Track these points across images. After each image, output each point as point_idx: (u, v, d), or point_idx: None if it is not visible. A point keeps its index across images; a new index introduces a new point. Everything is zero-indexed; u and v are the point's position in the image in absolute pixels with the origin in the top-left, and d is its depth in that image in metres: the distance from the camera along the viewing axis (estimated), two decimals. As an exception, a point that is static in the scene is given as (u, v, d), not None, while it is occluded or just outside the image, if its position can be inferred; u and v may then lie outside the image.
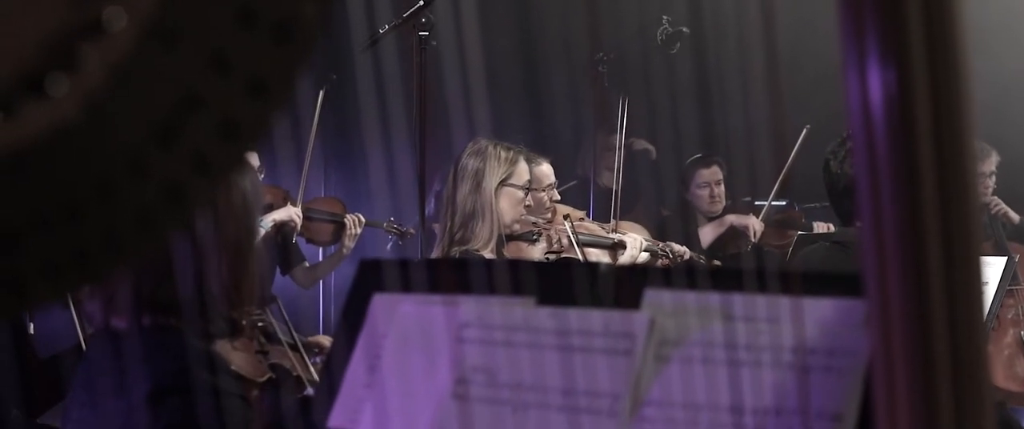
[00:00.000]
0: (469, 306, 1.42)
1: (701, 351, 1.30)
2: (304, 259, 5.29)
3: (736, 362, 1.27)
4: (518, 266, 1.43)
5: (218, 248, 1.95)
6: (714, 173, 5.79)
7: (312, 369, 2.51)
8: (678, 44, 5.23)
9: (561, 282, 1.40)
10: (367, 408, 1.46)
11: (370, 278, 1.55)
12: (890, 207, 0.94)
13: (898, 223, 0.94)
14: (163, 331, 1.86)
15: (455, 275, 1.49)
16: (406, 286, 1.50)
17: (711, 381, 1.27)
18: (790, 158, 5.61)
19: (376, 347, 1.50)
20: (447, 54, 4.01)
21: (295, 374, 2.46)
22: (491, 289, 1.43)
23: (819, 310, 1.26)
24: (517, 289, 1.41)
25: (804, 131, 5.53)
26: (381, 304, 1.52)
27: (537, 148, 4.17)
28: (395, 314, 1.49)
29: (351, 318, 1.54)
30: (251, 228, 2.04)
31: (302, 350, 2.55)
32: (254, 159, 4.07)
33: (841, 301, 1.26)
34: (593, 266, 1.40)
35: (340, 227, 5.19)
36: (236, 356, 2.01)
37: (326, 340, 3.70)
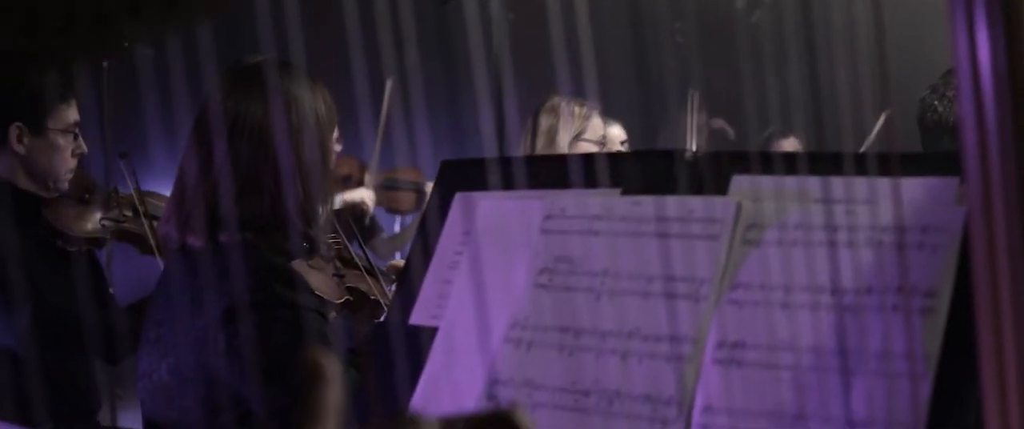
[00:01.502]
0: (552, 198, 1.41)
1: (790, 234, 1.27)
2: (382, 230, 5.29)
3: (826, 243, 1.24)
4: (602, 158, 1.42)
5: (293, 166, 1.96)
6: (792, 145, 5.73)
7: (389, 295, 2.50)
8: (758, 12, 5.17)
9: (646, 171, 1.38)
10: (448, 304, 1.46)
11: (451, 178, 1.54)
12: (997, 160, 0.93)
13: (1004, 180, 0.93)
14: (240, 248, 1.86)
15: (537, 170, 1.48)
16: (487, 184, 1.49)
17: (801, 263, 1.25)
18: (868, 141, 5.53)
19: (457, 244, 1.50)
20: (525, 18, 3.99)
21: (372, 297, 2.45)
22: (574, 182, 1.41)
23: (912, 189, 1.24)
24: (601, 181, 1.40)
25: (883, 116, 5.45)
26: (462, 203, 1.51)
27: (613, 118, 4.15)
28: (476, 211, 1.48)
29: (431, 219, 1.54)
30: (326, 147, 2.04)
31: (379, 275, 2.55)
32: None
33: (933, 180, 1.23)
34: (679, 153, 1.38)
35: (421, 195, 5.18)
36: (313, 276, 2.02)
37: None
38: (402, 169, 5.42)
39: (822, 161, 1.28)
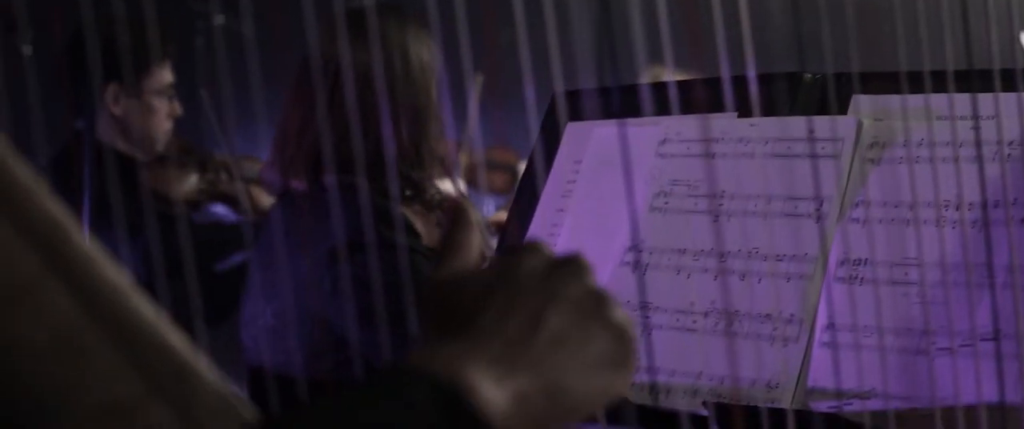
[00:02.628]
0: (668, 123, 1.40)
1: (912, 151, 1.26)
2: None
3: (950, 159, 1.24)
4: (717, 82, 1.41)
5: (396, 110, 1.97)
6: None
7: (491, 245, 2.50)
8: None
9: (763, 94, 1.37)
10: (561, 231, 1.46)
11: (561, 109, 1.54)
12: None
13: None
14: (343, 190, 1.88)
15: (650, 97, 1.47)
16: (601, 112, 1.49)
17: (924, 179, 1.24)
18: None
19: (570, 173, 1.50)
20: None
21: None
22: (689, 108, 1.41)
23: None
24: (717, 106, 1.39)
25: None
26: (575, 131, 1.51)
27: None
28: (590, 139, 1.48)
29: (542, 150, 1.54)
30: (429, 93, 2.05)
31: (483, 227, 2.55)
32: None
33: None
34: (798, 75, 1.37)
35: (515, 176, 5.17)
36: (415, 221, 2.03)
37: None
38: (496, 149, 5.40)
39: (942, 78, 1.27)
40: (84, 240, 0.71)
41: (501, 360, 0.75)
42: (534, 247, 0.82)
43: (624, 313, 0.81)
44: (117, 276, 0.72)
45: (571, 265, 0.80)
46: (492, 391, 0.73)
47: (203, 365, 0.73)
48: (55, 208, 0.71)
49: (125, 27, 1.10)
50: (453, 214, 0.87)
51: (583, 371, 0.78)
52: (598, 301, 0.80)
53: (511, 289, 0.79)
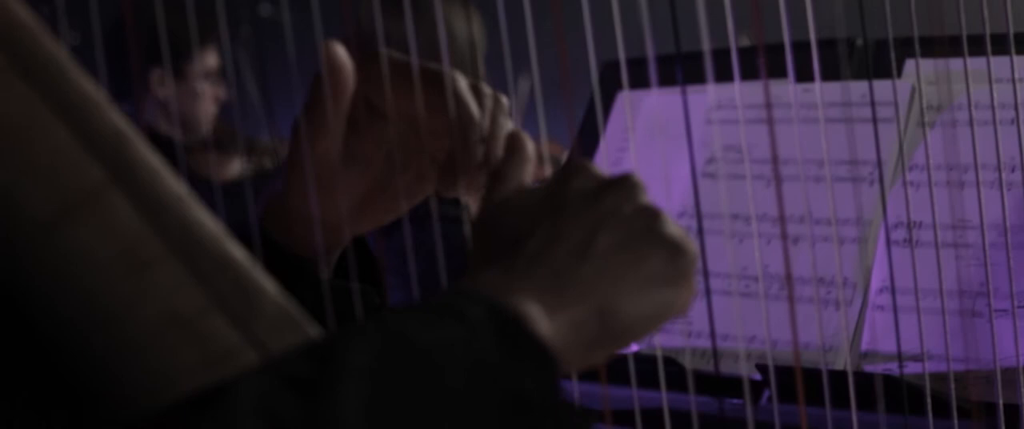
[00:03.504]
0: (719, 90, 1.40)
1: (967, 113, 1.26)
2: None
3: (1007, 121, 1.23)
4: (769, 48, 1.41)
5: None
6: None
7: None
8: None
9: (817, 59, 1.37)
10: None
11: (613, 78, 1.54)
12: None
13: None
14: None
15: (701, 65, 1.47)
16: (650, 82, 1.49)
17: (980, 141, 1.23)
18: None
19: (621, 142, 1.50)
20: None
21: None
22: (742, 74, 1.40)
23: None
24: (769, 72, 1.39)
25: None
26: (625, 101, 1.51)
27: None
28: (640, 108, 1.48)
29: (593, 120, 1.54)
30: (475, 70, 2.05)
31: (540, 159, 2.54)
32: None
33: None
34: (849, 40, 1.36)
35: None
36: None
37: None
38: (547, 143, 5.38)
39: (999, 42, 1.26)
40: (148, 151, 0.71)
41: (551, 290, 0.73)
42: (583, 167, 0.79)
43: (679, 228, 0.77)
44: (180, 188, 0.71)
45: (621, 183, 0.78)
46: (543, 322, 0.71)
47: (264, 279, 0.72)
48: (119, 120, 0.71)
49: (169, 11, 1.10)
50: (511, 145, 0.86)
51: (638, 292, 0.75)
52: (650, 218, 0.77)
53: (559, 212, 0.76)
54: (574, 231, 0.75)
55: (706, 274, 1.05)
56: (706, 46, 1.22)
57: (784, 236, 1.26)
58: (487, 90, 0.92)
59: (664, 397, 1.02)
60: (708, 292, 1.06)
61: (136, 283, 0.66)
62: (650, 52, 1.17)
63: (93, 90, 0.71)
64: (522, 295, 0.72)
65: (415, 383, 0.65)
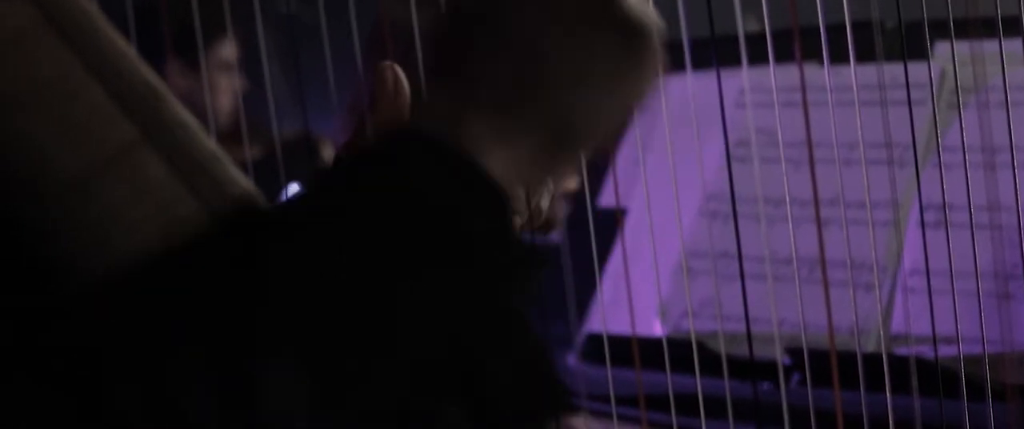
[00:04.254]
0: (748, 73, 1.39)
1: (999, 95, 1.25)
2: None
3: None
4: (798, 32, 1.40)
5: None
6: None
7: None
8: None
9: (845, 42, 1.36)
10: (639, 184, 1.45)
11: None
12: None
13: None
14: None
15: (729, 49, 1.46)
16: (678, 65, 1.48)
17: (1016, 123, 1.22)
18: None
19: (647, 127, 1.49)
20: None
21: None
22: (770, 59, 1.40)
23: None
24: (797, 55, 1.38)
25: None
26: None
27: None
28: (667, 92, 1.47)
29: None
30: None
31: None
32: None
33: None
34: (878, 23, 1.36)
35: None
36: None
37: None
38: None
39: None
40: (182, 110, 0.70)
41: (501, 110, 0.67)
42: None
43: (637, 7, 0.69)
44: (213, 146, 0.70)
45: None
46: (495, 148, 0.66)
47: None
48: (152, 77, 0.70)
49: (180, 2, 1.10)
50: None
51: (596, 90, 0.68)
52: (600, 3, 0.68)
53: (496, 20, 0.69)
54: (515, 40, 0.68)
55: (741, 258, 1.04)
56: (741, 30, 1.22)
57: (818, 219, 1.25)
58: None
59: (698, 383, 1.01)
60: (742, 276, 1.05)
61: (169, 242, 0.65)
62: (685, 35, 1.16)
63: (125, 47, 0.70)
64: (470, 126, 0.67)
65: (355, 234, 0.64)
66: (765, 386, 1.20)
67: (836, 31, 1.34)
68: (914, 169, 1.26)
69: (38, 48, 0.67)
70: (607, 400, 1.18)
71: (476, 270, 0.65)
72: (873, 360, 1.11)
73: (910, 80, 1.29)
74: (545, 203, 0.87)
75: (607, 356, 1.17)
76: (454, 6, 0.73)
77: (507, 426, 0.66)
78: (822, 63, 1.36)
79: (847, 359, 1.08)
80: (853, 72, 1.33)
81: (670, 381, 1.08)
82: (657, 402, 1.15)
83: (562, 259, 1.50)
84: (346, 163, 0.69)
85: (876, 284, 1.22)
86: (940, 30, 1.32)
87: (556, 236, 2.01)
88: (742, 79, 1.40)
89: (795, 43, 1.39)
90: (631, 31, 0.68)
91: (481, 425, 0.64)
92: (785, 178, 1.33)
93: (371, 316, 0.62)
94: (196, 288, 0.62)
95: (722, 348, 1.25)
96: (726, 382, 1.11)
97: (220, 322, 0.61)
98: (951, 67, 1.28)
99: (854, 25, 1.38)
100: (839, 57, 1.33)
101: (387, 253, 0.63)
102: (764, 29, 1.47)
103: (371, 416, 0.63)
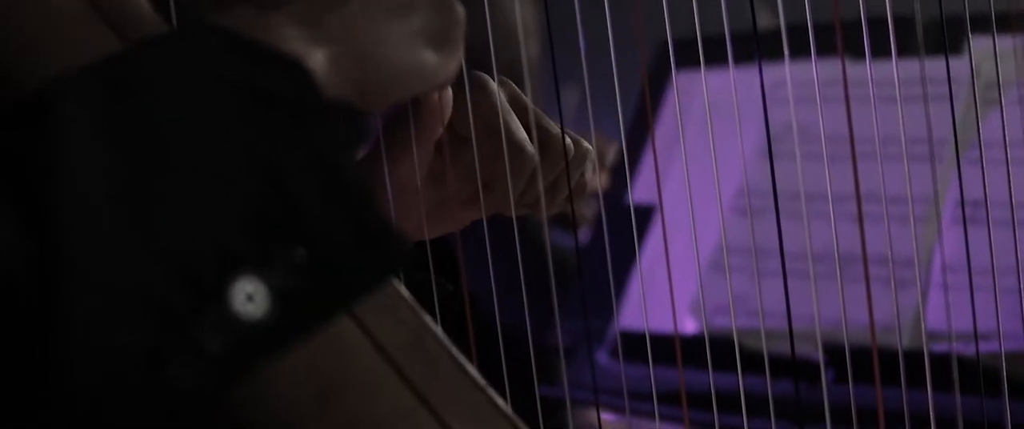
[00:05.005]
0: (780, 68, 1.39)
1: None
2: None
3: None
4: (830, 27, 1.40)
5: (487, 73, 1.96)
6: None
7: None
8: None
9: (877, 37, 1.36)
10: (669, 179, 1.45)
11: (666, 59, 1.53)
12: None
13: None
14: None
15: (758, 44, 1.46)
16: (704, 62, 1.48)
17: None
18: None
19: (676, 123, 1.49)
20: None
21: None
22: (802, 53, 1.39)
23: None
24: (829, 50, 1.38)
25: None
26: (683, 80, 1.50)
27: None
28: (697, 88, 1.47)
29: (647, 101, 1.53)
30: (524, 57, 2.04)
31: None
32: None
33: None
34: (911, 18, 1.35)
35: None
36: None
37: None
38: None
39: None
40: None
41: (309, 21, 0.70)
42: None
43: None
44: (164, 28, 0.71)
45: None
46: (301, 49, 0.68)
47: None
48: None
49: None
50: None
51: (401, 41, 0.73)
52: None
53: None
54: None
55: (783, 255, 1.04)
56: (783, 25, 1.21)
57: (860, 214, 1.25)
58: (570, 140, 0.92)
59: (740, 380, 1.01)
60: (784, 274, 1.05)
61: None
62: (727, 31, 1.16)
63: None
64: (273, 27, 0.69)
65: (148, 108, 0.63)
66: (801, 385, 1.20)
67: (868, 26, 1.33)
68: (948, 164, 1.25)
69: None
70: (639, 398, 1.18)
71: (284, 124, 0.65)
72: (911, 357, 1.10)
73: (942, 75, 1.29)
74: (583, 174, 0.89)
75: (649, 354, 1.17)
76: None
77: (339, 276, 0.64)
78: (853, 58, 1.36)
79: (886, 356, 1.08)
80: (878, 68, 1.32)
81: (704, 378, 1.08)
82: (690, 400, 1.15)
83: (594, 255, 1.51)
84: (137, 42, 0.68)
85: (918, 279, 1.22)
86: (976, 24, 1.32)
87: (585, 232, 2.01)
88: (773, 75, 1.39)
89: (837, 37, 1.39)
90: (446, 8, 0.75)
91: (308, 274, 0.62)
92: (815, 174, 1.32)
93: (174, 158, 0.62)
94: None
95: (749, 345, 1.26)
96: (767, 379, 1.11)
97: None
98: (985, 62, 1.28)
99: (885, 20, 1.38)
100: (871, 52, 1.33)
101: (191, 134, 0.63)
102: (780, 24, 1.47)
103: (185, 249, 0.61)
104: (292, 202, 0.62)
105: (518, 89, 0.94)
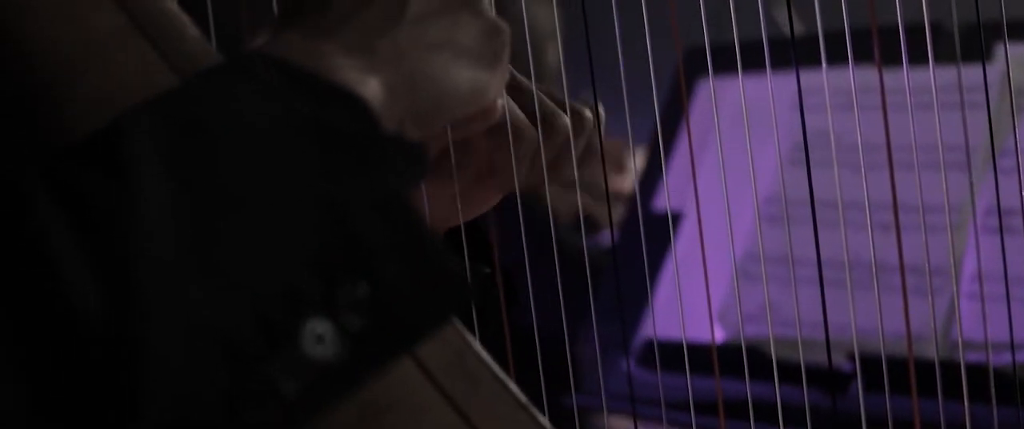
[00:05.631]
0: (807, 76, 1.38)
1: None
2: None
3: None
4: (856, 33, 1.39)
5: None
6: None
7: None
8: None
9: (905, 44, 1.35)
10: (696, 187, 1.45)
11: (694, 66, 1.53)
12: None
13: None
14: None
15: (785, 51, 1.46)
16: (732, 69, 1.48)
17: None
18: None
19: (703, 130, 1.49)
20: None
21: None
22: (830, 60, 1.39)
23: None
24: (857, 57, 1.37)
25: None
26: (707, 88, 1.50)
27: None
28: (724, 95, 1.47)
29: (675, 108, 1.53)
30: (544, 60, 2.04)
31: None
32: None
33: None
34: (936, 25, 1.35)
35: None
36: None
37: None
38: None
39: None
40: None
41: (360, 49, 0.70)
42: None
43: (494, 13, 0.76)
44: (204, 44, 0.71)
45: None
46: (353, 77, 0.68)
47: None
48: None
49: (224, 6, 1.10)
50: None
51: (453, 64, 0.73)
52: None
53: None
54: None
55: (820, 263, 1.03)
56: (821, 32, 1.21)
57: (897, 223, 1.25)
58: (575, 109, 0.93)
59: (777, 389, 1.01)
60: (821, 282, 1.05)
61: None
62: (766, 37, 1.15)
63: None
64: (326, 55, 0.69)
65: (216, 150, 0.63)
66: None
67: (890, 33, 1.33)
68: (976, 173, 1.25)
69: None
70: (671, 407, 1.18)
71: (351, 162, 0.65)
72: (941, 367, 1.10)
73: (971, 83, 1.29)
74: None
75: (686, 362, 1.16)
76: None
77: (409, 311, 0.64)
78: (880, 65, 1.36)
79: (917, 365, 1.07)
80: (911, 75, 1.32)
81: (733, 387, 1.07)
82: (714, 409, 1.15)
83: (617, 263, 1.51)
84: (199, 78, 0.68)
85: (929, 290, 1.22)
86: (1001, 32, 1.31)
87: (608, 239, 2.01)
88: (800, 83, 1.39)
89: (874, 45, 1.38)
90: (493, 27, 0.75)
91: (381, 310, 0.62)
92: (844, 182, 1.32)
93: (242, 203, 0.62)
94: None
95: (778, 354, 1.25)
96: (804, 389, 1.11)
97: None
98: (1015, 69, 1.27)
99: (914, 27, 1.38)
100: (893, 59, 1.33)
101: (259, 173, 0.63)
102: (807, 31, 1.47)
103: (256, 292, 0.61)
104: (357, 240, 0.62)
105: (515, 72, 0.94)
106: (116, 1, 0.69)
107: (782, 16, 1.43)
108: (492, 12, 0.75)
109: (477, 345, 0.74)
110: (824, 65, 1.38)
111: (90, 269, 0.58)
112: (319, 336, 0.60)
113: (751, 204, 1.37)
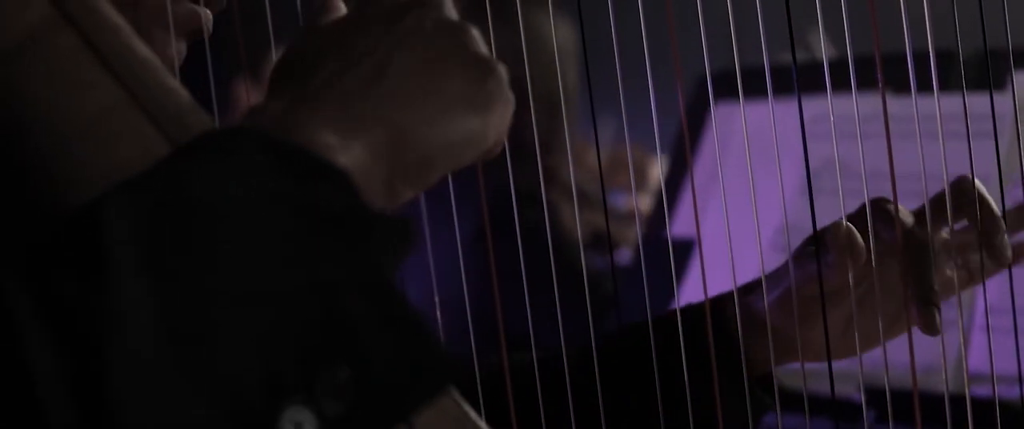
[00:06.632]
0: (819, 102, 1.38)
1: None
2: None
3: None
4: (869, 61, 1.39)
5: (523, 95, 1.95)
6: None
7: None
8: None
9: (917, 72, 1.34)
10: (709, 214, 1.44)
11: (707, 91, 1.52)
12: None
13: None
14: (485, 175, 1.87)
15: (797, 77, 1.45)
16: (745, 94, 1.47)
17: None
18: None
19: (716, 156, 1.48)
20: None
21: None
22: (842, 86, 1.38)
23: None
24: (868, 84, 1.37)
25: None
26: (723, 113, 1.49)
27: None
28: (736, 121, 1.46)
29: (687, 134, 1.52)
30: (565, 79, 2.03)
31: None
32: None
33: None
34: (952, 53, 1.34)
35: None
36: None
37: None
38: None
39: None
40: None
41: (340, 115, 0.68)
42: None
43: (486, 49, 0.73)
44: (148, 53, 0.71)
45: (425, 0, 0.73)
46: (333, 147, 0.66)
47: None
48: None
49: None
50: None
51: (440, 116, 0.71)
52: (455, 35, 0.72)
53: (354, 36, 0.71)
54: (370, 52, 0.70)
55: (822, 293, 1.02)
56: (823, 54, 1.20)
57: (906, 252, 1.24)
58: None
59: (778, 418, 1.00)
60: (824, 311, 1.04)
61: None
62: (767, 61, 1.15)
63: None
64: (308, 125, 0.67)
65: (196, 235, 0.62)
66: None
67: (907, 61, 1.32)
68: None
69: None
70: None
71: (334, 243, 0.64)
72: (953, 400, 1.09)
73: (984, 111, 1.28)
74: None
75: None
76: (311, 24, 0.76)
77: (390, 396, 0.63)
78: (892, 93, 1.35)
79: (928, 399, 1.06)
80: (923, 103, 1.31)
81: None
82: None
83: (634, 287, 1.50)
84: (179, 156, 0.68)
85: (964, 322, 1.21)
86: (1017, 61, 1.30)
87: (625, 261, 2.00)
88: (813, 110, 1.38)
89: (878, 72, 1.37)
90: (483, 69, 0.72)
91: (363, 395, 0.62)
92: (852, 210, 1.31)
93: (226, 288, 0.61)
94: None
95: (786, 385, 1.24)
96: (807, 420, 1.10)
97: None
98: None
99: (925, 55, 1.37)
100: (911, 87, 1.32)
101: (245, 256, 0.62)
102: (821, 58, 1.46)
103: (235, 384, 0.60)
104: (338, 322, 0.61)
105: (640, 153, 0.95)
106: (115, 77, 0.69)
107: (815, 40, 1.43)
108: (485, 52, 0.73)
109: (474, 414, 0.73)
110: (854, 91, 1.37)
111: (65, 384, 0.57)
112: (298, 425, 0.60)
113: (766, 231, 1.36)
